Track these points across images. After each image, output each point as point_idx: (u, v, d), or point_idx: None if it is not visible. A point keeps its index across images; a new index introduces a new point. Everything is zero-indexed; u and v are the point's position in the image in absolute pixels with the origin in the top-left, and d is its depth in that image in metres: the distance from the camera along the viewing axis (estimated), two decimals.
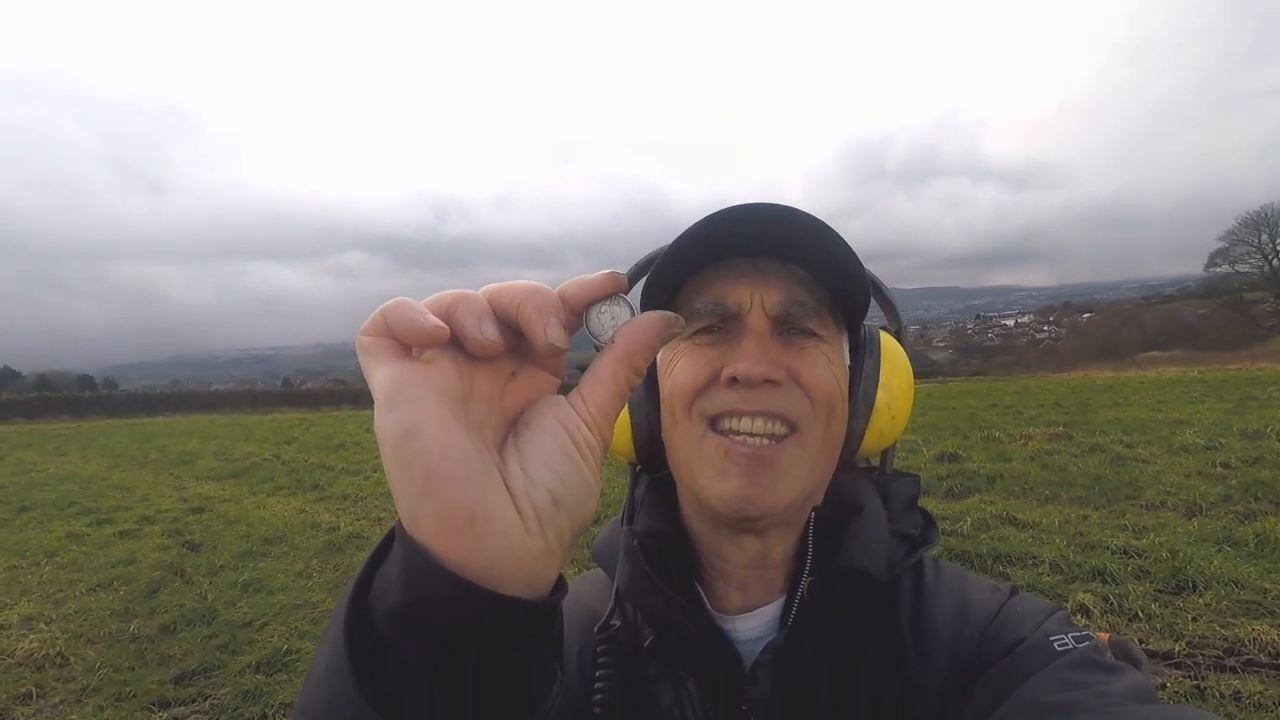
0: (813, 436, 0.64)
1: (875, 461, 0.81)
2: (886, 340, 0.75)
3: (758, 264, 0.65)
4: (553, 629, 0.40)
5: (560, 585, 0.39)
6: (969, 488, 7.14)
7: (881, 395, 0.72)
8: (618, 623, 0.70)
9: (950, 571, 0.73)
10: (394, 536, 0.37)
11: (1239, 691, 3.12)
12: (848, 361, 0.71)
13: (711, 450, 0.63)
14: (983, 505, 6.29)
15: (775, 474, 0.62)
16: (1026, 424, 10.95)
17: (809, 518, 0.67)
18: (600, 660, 0.67)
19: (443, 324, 0.35)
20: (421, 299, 0.38)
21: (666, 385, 0.68)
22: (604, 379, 0.39)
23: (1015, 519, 5.83)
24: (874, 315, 0.77)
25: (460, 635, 0.34)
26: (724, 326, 0.66)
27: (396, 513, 0.36)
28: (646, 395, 0.73)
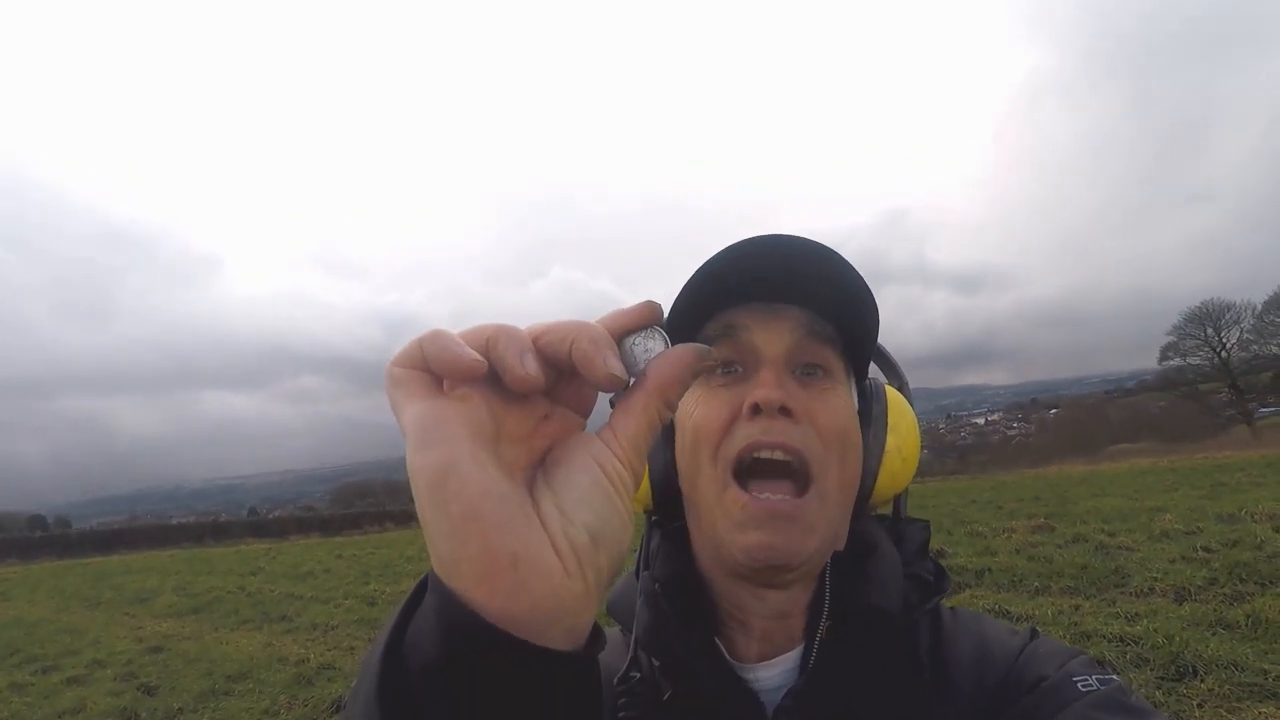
0: (829, 482, 0.64)
1: (888, 510, 0.81)
2: (889, 389, 0.77)
3: (774, 306, 0.67)
4: (592, 684, 0.37)
5: (597, 636, 0.37)
6: (959, 583, 7.02)
7: (891, 439, 0.73)
8: (637, 674, 0.68)
9: (967, 615, 0.73)
10: (425, 586, 0.36)
11: None
12: (856, 407, 0.72)
13: (730, 504, 0.62)
14: (975, 600, 6.20)
15: (799, 527, 0.61)
16: (1008, 517, 10.95)
17: (826, 563, 0.67)
18: (621, 715, 0.65)
19: (481, 358, 0.34)
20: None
21: (688, 429, 0.67)
22: (635, 412, 0.38)
23: (1009, 612, 5.73)
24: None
25: (503, 692, 0.33)
26: (740, 367, 0.67)
27: (418, 578, 0.35)
28: (664, 442, 0.72)
